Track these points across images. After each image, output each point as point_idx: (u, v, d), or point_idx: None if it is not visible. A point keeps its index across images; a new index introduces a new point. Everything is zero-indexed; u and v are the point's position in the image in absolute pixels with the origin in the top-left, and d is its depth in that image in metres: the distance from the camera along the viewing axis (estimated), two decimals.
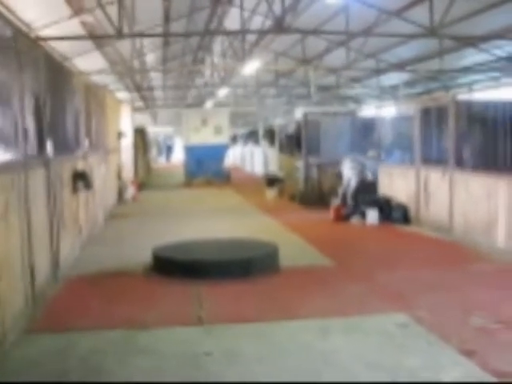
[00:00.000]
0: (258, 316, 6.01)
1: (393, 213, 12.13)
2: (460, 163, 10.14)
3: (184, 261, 7.67)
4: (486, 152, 10.37)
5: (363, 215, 12.20)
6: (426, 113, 11.59)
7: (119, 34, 9.02)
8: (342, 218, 12.43)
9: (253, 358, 4.88)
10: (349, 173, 13.20)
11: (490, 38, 12.06)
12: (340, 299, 6.55)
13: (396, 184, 12.80)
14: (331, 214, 12.63)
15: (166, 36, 13.77)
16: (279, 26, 9.49)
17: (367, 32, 12.53)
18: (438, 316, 5.86)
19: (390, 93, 21.31)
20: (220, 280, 7.25)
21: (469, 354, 4.82)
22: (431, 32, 10.60)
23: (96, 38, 11.61)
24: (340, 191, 13.22)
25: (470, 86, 16.68)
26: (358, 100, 24.64)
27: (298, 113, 27.17)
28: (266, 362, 4.80)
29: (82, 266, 8.42)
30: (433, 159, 11.28)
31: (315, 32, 12.76)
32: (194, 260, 7.69)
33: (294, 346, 5.16)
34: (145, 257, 8.40)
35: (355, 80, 21.44)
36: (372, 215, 12.06)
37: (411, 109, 12.20)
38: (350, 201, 12.79)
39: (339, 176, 13.56)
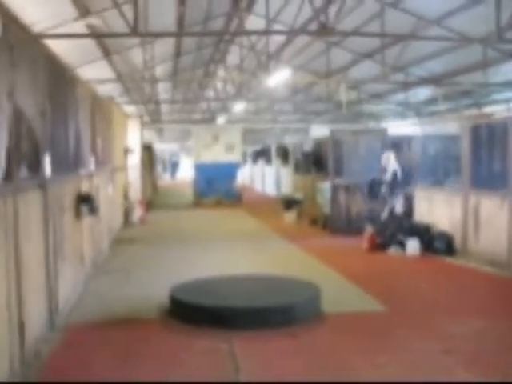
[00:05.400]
0: None
1: (435, 242, 10.75)
2: None
3: (210, 307, 6.28)
4: None
5: (401, 245, 10.82)
6: (474, 131, 10.28)
7: (134, 32, 7.73)
8: (377, 247, 11.04)
9: None
10: (393, 164, 12.04)
11: None
12: (416, 366, 5.09)
13: (437, 210, 11.40)
14: (364, 242, 11.23)
15: (181, 35, 12.58)
16: (323, 27, 8.17)
17: (411, 36, 11.22)
18: None
19: (415, 109, 19.99)
20: (254, 331, 5.90)
21: None
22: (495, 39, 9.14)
23: (106, 37, 10.34)
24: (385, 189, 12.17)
25: (508, 103, 15.40)
26: (377, 117, 23.33)
27: (315, 130, 26.01)
28: None
29: (85, 308, 7.01)
30: (483, 184, 9.94)
31: (356, 33, 11.46)
32: (222, 306, 6.30)
33: None
34: (159, 296, 7.06)
35: (377, 96, 20.13)
36: (413, 245, 10.66)
37: (457, 127, 10.88)
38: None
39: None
